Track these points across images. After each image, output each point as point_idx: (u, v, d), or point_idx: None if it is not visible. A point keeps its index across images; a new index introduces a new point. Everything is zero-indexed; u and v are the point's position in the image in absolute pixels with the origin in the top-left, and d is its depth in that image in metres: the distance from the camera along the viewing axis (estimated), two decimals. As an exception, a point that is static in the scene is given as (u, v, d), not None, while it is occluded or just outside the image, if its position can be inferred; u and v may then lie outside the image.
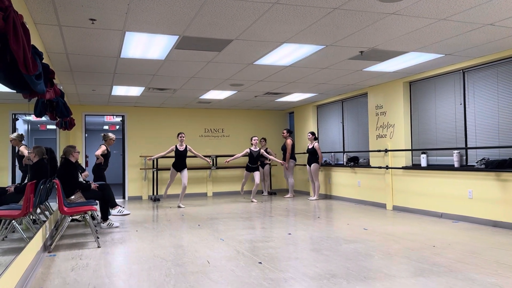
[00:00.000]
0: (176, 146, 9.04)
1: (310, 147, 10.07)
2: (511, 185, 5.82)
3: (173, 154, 9.22)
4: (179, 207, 9.02)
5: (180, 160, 9.02)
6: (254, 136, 9.83)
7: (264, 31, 4.88)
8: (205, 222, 6.92)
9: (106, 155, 7.69)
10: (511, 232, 5.62)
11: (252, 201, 9.81)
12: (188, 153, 9.14)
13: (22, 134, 5.87)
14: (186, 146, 9.11)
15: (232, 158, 9.69)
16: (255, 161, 9.71)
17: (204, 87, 8.42)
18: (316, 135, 10.59)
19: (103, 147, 7.65)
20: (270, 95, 9.69)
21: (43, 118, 5.54)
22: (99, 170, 7.49)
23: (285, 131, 10.82)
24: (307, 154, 10.20)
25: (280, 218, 7.24)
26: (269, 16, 4.35)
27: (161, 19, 4.40)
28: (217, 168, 11.56)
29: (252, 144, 9.81)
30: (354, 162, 9.42)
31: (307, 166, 10.15)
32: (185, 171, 9.02)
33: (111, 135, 7.89)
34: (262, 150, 9.79)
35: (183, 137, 9.10)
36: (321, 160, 9.97)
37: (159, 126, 11.47)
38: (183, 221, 7.08)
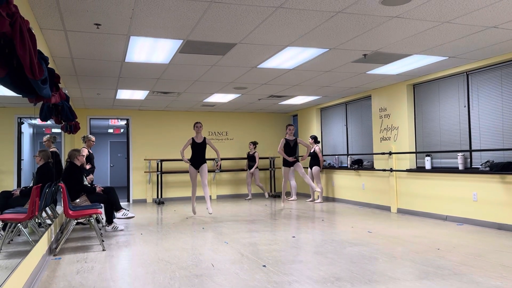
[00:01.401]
0: (192, 138, 7.90)
1: (311, 151, 10.12)
2: (516, 187, 5.80)
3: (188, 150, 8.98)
4: (209, 213, 7.95)
5: (198, 154, 7.85)
6: (290, 124, 8.70)
7: (267, 35, 4.90)
8: (209, 225, 6.93)
9: (89, 157, 7.75)
10: (516, 234, 5.60)
11: (288, 200, 9.75)
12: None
13: (55, 136, 5.95)
14: (204, 138, 7.93)
15: (283, 153, 8.57)
16: (293, 152, 8.65)
17: (208, 90, 8.46)
18: (318, 139, 10.63)
19: (85, 150, 7.69)
20: (273, 98, 9.71)
21: (48, 122, 5.58)
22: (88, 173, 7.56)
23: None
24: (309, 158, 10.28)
25: (284, 221, 7.24)
26: (272, 20, 4.37)
27: (165, 24, 4.44)
28: (221, 171, 11.58)
29: (287, 133, 8.61)
30: (358, 164, 9.41)
31: (309, 168, 10.22)
32: (205, 167, 7.78)
33: (90, 136, 8.02)
34: (298, 139, 8.66)
35: (200, 127, 7.86)
36: (322, 163, 10.02)
37: (163, 129, 11.51)
38: (188, 224, 7.09)
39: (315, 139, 10.17)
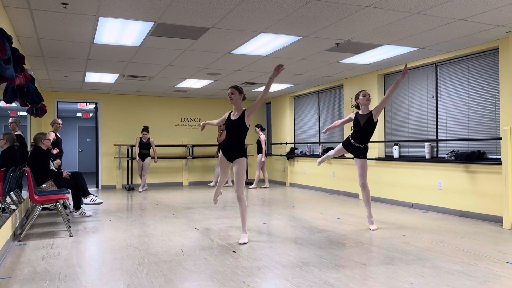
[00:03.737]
0: (229, 114, 4.89)
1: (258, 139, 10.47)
2: (479, 176, 6.02)
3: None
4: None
5: (230, 140, 4.78)
6: (363, 90, 5.33)
7: (241, 20, 4.85)
8: (180, 211, 6.90)
9: (56, 141, 7.60)
10: (477, 221, 5.82)
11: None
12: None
13: (18, 120, 5.79)
14: (244, 112, 4.77)
15: (331, 126, 5.69)
16: (364, 135, 5.20)
17: (181, 75, 8.34)
18: (263, 127, 10.83)
19: (52, 134, 7.53)
20: (247, 85, 9.67)
21: (13, 104, 5.39)
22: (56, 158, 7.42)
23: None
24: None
25: (255, 207, 7.28)
26: (246, 4, 4.33)
27: (135, 5, 4.32)
28: (193, 157, 11.51)
29: (360, 105, 5.26)
30: (329, 153, 9.53)
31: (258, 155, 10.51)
32: (242, 164, 4.69)
33: (57, 119, 7.96)
34: (374, 111, 5.17)
35: (234, 93, 4.73)
36: (264, 152, 10.34)
37: (134, 114, 11.30)
38: (158, 210, 7.04)
39: (261, 128, 10.48)
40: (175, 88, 10.09)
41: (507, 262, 3.81)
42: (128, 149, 10.71)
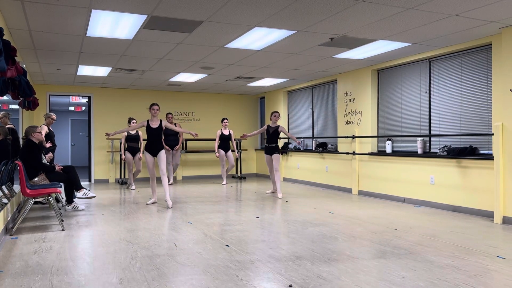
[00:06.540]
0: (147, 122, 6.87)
1: (226, 133, 10.12)
2: (471, 171, 6.06)
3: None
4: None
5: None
6: (274, 111, 8.16)
7: (235, 14, 4.83)
8: (174, 205, 6.89)
9: (49, 135, 7.56)
10: (469, 216, 5.87)
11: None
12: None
13: (8, 112, 5.73)
14: (161, 121, 6.93)
15: (251, 134, 8.47)
16: (274, 138, 8.06)
17: (174, 69, 8.30)
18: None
19: (45, 127, 7.48)
20: (241, 80, 9.65)
21: (5, 97, 5.34)
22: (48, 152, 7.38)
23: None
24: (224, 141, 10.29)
25: (248, 202, 7.29)
26: (240, -2, 4.30)
27: (129, -2, 4.29)
28: (187, 152, 11.48)
29: (272, 121, 8.18)
30: (323, 147, 9.56)
31: (223, 151, 10.06)
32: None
33: (51, 114, 7.86)
34: (281, 127, 8.00)
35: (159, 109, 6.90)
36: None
37: (127, 108, 11.24)
38: (151, 204, 7.02)
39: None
40: (168, 82, 10.05)
41: (497, 256, 3.85)
42: (121, 143, 10.64)
